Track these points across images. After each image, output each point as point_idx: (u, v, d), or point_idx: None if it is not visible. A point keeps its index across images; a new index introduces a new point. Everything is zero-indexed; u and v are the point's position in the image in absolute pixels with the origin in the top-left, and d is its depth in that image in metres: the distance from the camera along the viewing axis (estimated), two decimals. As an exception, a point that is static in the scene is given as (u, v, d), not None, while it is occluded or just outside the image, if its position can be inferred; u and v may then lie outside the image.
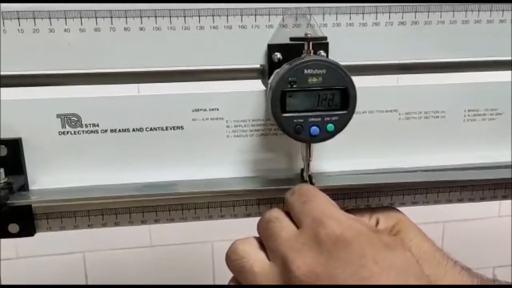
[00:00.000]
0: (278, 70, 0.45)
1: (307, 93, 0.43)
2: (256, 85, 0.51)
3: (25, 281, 1.04)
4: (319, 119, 0.43)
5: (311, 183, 0.48)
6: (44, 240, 0.97)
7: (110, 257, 1.09)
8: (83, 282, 1.10)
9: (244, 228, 1.15)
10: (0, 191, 0.43)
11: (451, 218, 1.26)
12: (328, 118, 0.43)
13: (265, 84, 0.50)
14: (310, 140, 0.44)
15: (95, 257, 1.09)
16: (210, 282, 1.15)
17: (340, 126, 0.44)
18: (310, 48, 0.45)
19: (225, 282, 1.29)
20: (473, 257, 1.28)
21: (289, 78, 0.43)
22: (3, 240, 0.53)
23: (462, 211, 1.25)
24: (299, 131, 0.44)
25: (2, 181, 0.45)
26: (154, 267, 1.12)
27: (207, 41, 0.47)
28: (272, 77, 0.45)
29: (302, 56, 0.44)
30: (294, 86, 0.43)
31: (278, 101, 0.43)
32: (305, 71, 0.42)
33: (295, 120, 0.43)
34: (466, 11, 0.50)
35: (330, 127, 0.44)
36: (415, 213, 1.25)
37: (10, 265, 1.02)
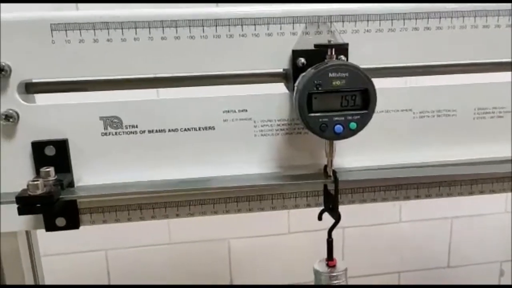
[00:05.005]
0: (304, 73, 0.49)
1: (332, 95, 0.47)
2: (281, 88, 0.55)
3: (49, 279, 1.08)
4: (342, 118, 0.47)
5: (335, 178, 0.52)
6: (68, 239, 1.02)
7: (131, 254, 1.13)
8: (105, 279, 1.14)
9: (258, 227, 1.19)
10: (52, 187, 0.47)
11: (459, 214, 1.29)
12: (350, 117, 0.47)
13: (288, 87, 0.54)
14: (335, 137, 0.48)
15: (117, 255, 1.13)
16: (227, 278, 1.19)
17: (362, 124, 0.48)
18: (333, 53, 0.49)
19: (242, 277, 1.33)
20: (480, 252, 1.33)
21: (315, 81, 0.46)
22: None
23: (469, 207, 1.29)
24: (324, 130, 0.47)
25: (52, 179, 0.49)
26: (173, 263, 1.16)
27: (236, 47, 0.51)
28: (298, 80, 0.49)
29: (326, 61, 0.48)
30: (320, 88, 0.47)
31: (305, 102, 0.47)
32: (330, 74, 0.46)
33: (320, 120, 0.47)
34: (475, 16, 0.53)
35: (353, 125, 0.47)
36: (425, 209, 1.28)
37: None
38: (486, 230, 1.32)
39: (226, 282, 1.20)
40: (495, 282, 1.37)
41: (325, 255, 0.55)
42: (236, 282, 1.20)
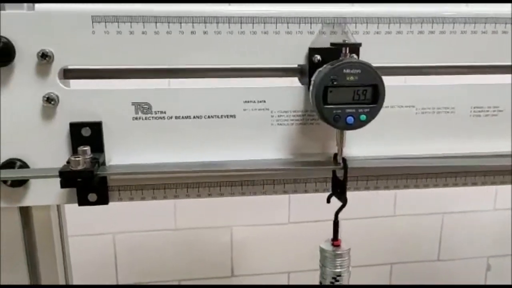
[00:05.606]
0: (320, 69, 0.54)
1: (345, 89, 0.52)
2: (297, 82, 0.60)
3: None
4: (354, 110, 0.53)
5: (345, 165, 0.57)
6: (78, 223, 1.06)
7: (138, 238, 1.18)
8: (112, 261, 1.18)
9: (260, 216, 1.24)
10: (90, 164, 0.52)
11: (450, 210, 1.35)
12: (361, 110, 0.53)
13: (301, 81, 0.59)
14: (346, 127, 0.53)
15: (124, 239, 1.17)
16: (228, 263, 1.24)
17: (371, 116, 0.53)
18: (347, 51, 0.54)
19: (243, 263, 1.39)
20: (469, 247, 1.40)
21: (331, 76, 0.52)
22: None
23: (460, 204, 1.35)
24: (337, 120, 0.53)
25: (89, 157, 0.53)
26: (177, 248, 1.21)
27: (258, 43, 0.56)
28: (315, 75, 0.54)
29: (341, 58, 0.54)
30: (335, 83, 0.52)
31: (321, 95, 0.52)
32: (344, 70, 0.51)
33: (334, 111, 0.52)
34: (475, 23, 0.59)
35: (363, 117, 0.53)
36: (418, 205, 1.34)
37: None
38: (475, 226, 1.38)
39: (228, 267, 1.25)
40: (482, 275, 1.43)
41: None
42: (237, 267, 1.26)
